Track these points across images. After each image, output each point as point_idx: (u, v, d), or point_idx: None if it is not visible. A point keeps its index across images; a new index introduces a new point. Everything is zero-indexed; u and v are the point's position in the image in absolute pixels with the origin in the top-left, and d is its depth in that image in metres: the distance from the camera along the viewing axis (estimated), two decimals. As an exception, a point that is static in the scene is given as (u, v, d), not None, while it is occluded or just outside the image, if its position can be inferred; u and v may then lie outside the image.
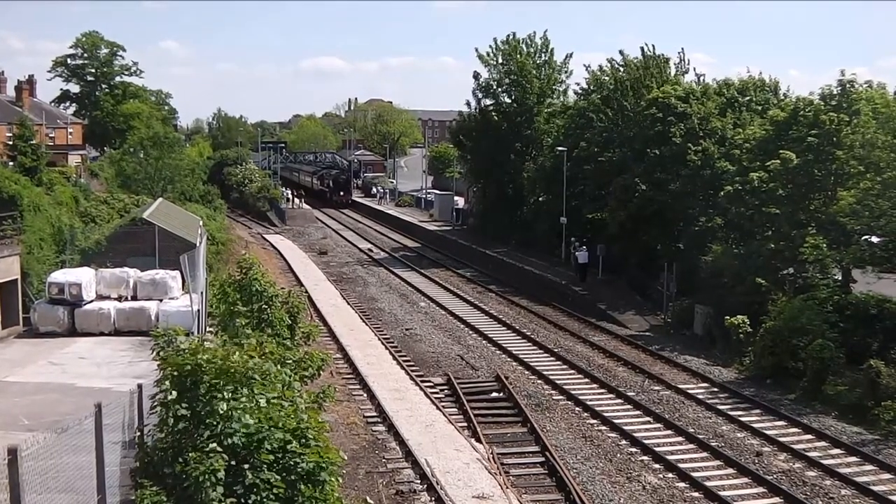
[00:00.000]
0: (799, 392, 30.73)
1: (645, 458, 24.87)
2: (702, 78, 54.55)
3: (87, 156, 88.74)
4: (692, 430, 26.99)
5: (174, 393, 12.77)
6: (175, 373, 12.90)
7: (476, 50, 68.73)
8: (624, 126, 52.72)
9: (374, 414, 27.72)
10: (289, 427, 12.82)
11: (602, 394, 31.10)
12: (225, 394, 12.76)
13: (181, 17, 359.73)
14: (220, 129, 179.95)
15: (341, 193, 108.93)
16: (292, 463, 12.63)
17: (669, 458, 24.48)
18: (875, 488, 22.58)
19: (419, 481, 22.17)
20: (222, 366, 12.99)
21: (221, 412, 12.54)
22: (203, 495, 11.77)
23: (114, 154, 78.58)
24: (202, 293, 27.94)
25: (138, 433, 13.75)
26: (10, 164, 48.76)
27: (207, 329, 26.23)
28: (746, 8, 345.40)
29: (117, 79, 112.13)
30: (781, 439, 26.07)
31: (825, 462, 24.33)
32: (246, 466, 12.33)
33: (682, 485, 22.97)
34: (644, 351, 37.23)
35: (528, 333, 40.33)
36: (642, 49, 56.42)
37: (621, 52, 57.96)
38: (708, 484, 22.69)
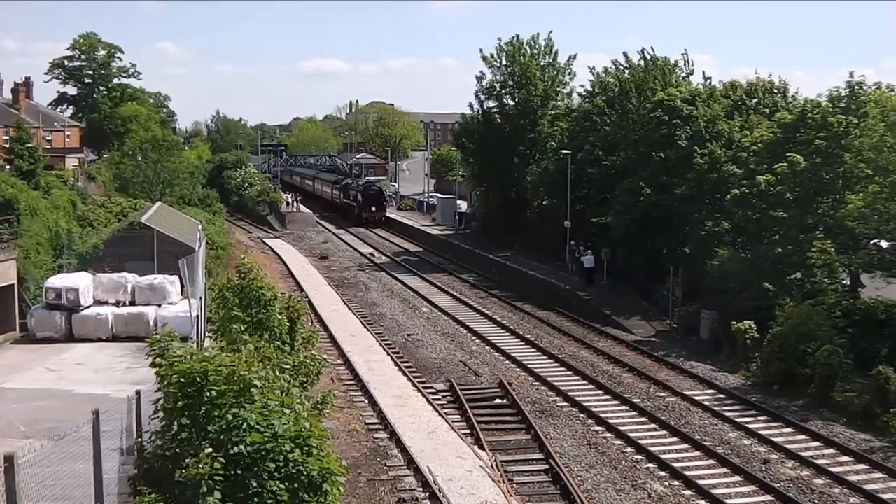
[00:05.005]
0: (807, 398, 30.48)
1: (650, 465, 24.60)
2: (709, 81, 54.42)
3: (85, 159, 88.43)
4: (698, 437, 26.72)
5: (178, 399, 12.52)
6: (181, 379, 12.64)
7: (480, 51, 68.79)
8: (629, 129, 52.45)
9: (376, 421, 27.47)
10: (290, 435, 12.52)
11: (607, 400, 30.80)
12: (231, 402, 12.54)
13: (178, 18, 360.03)
14: (219, 131, 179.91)
15: (373, 209, 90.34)
16: (294, 472, 12.36)
17: (675, 465, 24.22)
18: (884, 496, 22.32)
19: (421, 489, 21.95)
20: (230, 373, 12.74)
21: (228, 420, 12.30)
22: (201, 501, 11.53)
23: (112, 157, 78.24)
24: (201, 298, 27.64)
25: (138, 440, 13.54)
26: (7, 167, 48.48)
27: (206, 334, 25.93)
28: (750, 8, 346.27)
29: (115, 81, 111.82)
30: (789, 446, 25.80)
31: (833, 470, 24.06)
32: (249, 475, 12.09)
33: (688, 492, 22.69)
34: (649, 357, 36.91)
35: (532, 339, 40.04)
36: (643, 52, 56.31)
37: (625, 55, 57.85)
38: (714, 492, 22.43)
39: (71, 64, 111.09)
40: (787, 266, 37.34)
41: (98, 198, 57.52)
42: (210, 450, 11.85)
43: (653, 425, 27.99)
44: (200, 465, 11.63)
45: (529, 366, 34.89)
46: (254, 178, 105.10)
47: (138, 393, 14.08)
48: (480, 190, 76.12)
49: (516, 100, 68.15)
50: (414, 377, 32.36)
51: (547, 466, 23.94)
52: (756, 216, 39.17)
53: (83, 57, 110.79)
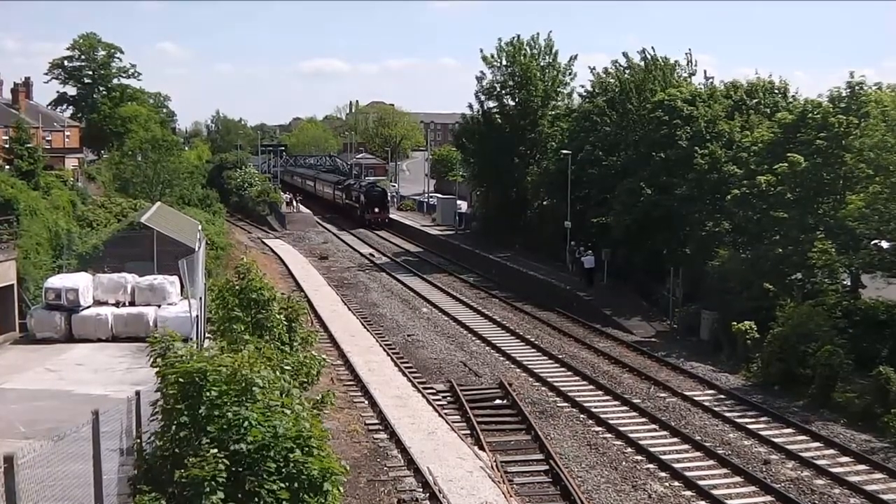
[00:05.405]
0: (807, 399, 30.43)
1: (651, 465, 24.56)
2: (710, 80, 54.34)
3: (85, 159, 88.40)
4: (699, 438, 26.68)
5: (177, 399, 12.54)
6: (181, 379, 12.65)
7: (480, 51, 68.48)
8: (629, 129, 52.40)
9: (376, 421, 27.42)
10: (291, 435, 12.51)
11: (607, 401, 30.75)
12: (232, 400, 12.55)
13: (178, 18, 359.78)
14: (219, 131, 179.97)
15: (376, 210, 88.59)
16: (295, 472, 12.37)
17: (676, 466, 24.19)
18: (885, 497, 22.29)
19: (421, 490, 21.90)
20: (231, 373, 12.76)
21: (229, 418, 12.31)
22: (203, 500, 11.55)
23: (112, 157, 78.20)
24: (201, 298, 27.59)
25: (137, 441, 13.52)
26: (7, 167, 48.42)
27: (206, 335, 25.88)
28: (750, 8, 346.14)
29: (115, 81, 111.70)
30: (789, 447, 25.76)
31: (834, 470, 24.03)
32: (250, 475, 12.11)
33: (688, 493, 22.66)
34: (650, 357, 36.86)
35: (533, 339, 39.97)
36: (643, 53, 56.23)
37: (625, 55, 57.77)
38: (715, 493, 22.40)
39: (71, 64, 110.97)
40: (788, 266, 37.28)
41: (98, 198, 57.42)
42: (215, 450, 11.87)
43: (653, 426, 27.95)
44: (206, 466, 11.64)
45: (529, 366, 34.83)
46: (254, 178, 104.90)
47: (138, 393, 14.01)
48: (480, 190, 76.00)
49: (516, 100, 67.95)
50: (414, 378, 32.31)
51: (547, 467, 23.89)
52: (756, 216, 39.12)
53: (83, 57, 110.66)
